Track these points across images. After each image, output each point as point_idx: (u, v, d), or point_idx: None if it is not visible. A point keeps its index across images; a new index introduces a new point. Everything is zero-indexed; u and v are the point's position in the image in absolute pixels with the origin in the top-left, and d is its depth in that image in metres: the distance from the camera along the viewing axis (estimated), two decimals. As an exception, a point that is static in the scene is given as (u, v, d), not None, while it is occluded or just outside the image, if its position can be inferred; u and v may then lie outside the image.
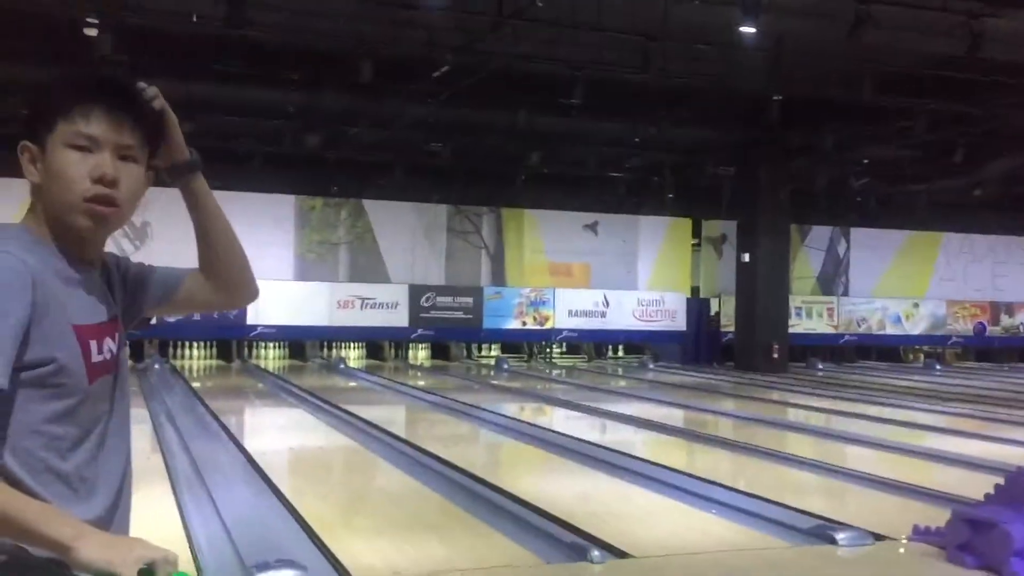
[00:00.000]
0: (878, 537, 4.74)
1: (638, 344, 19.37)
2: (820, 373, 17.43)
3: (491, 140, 14.68)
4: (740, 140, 15.65)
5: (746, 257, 17.14)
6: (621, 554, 4.45)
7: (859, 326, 20.41)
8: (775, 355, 16.88)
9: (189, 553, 4.40)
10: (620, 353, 19.72)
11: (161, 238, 16.13)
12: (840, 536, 4.61)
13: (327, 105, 12.94)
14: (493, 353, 18.56)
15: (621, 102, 13.08)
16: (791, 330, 18.01)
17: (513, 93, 12.63)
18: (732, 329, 18.09)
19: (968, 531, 4.15)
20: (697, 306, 19.35)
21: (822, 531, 4.73)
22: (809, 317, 19.97)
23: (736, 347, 17.78)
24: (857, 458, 8.28)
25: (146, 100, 1.55)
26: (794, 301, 18.87)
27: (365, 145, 14.94)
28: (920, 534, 4.59)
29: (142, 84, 1.56)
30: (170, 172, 1.63)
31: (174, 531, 4.82)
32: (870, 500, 6.26)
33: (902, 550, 4.54)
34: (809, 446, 9.05)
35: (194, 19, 9.86)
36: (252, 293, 1.77)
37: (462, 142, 14.95)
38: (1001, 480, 4.36)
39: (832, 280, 20.55)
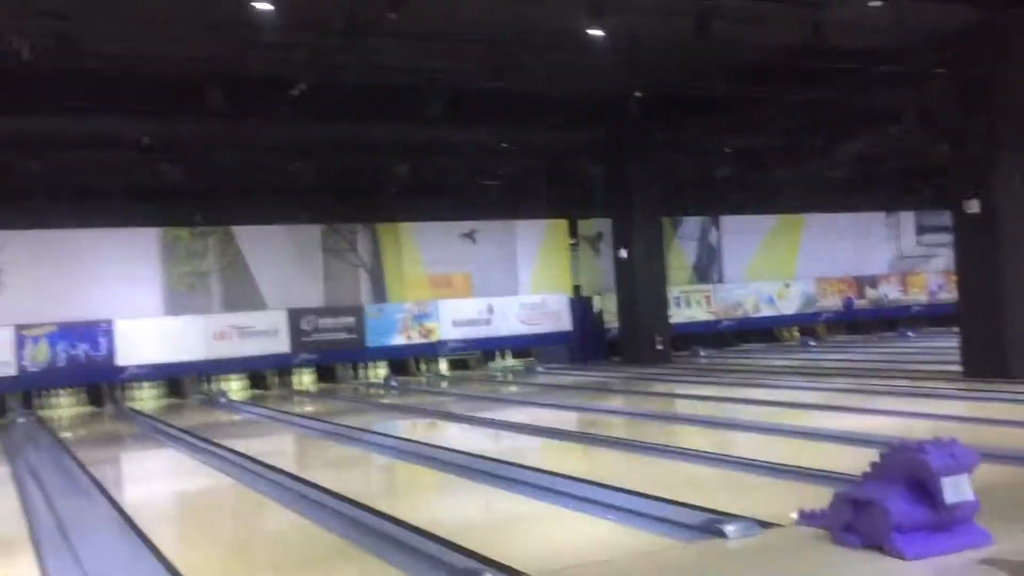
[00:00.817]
0: (766, 525, 4.78)
1: (526, 348, 19.39)
2: (703, 360, 17.82)
3: (356, 156, 14.45)
4: (606, 138, 15.84)
5: (623, 253, 17.39)
6: (514, 573, 4.35)
7: (736, 310, 20.98)
8: (659, 346, 17.17)
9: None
10: (508, 359, 19.71)
11: (15, 283, 15.26)
12: (729, 528, 4.62)
13: (183, 133, 12.47)
14: (381, 371, 18.25)
15: (483, 110, 13.06)
16: (672, 320, 18.37)
17: (373, 107, 12.44)
18: (616, 325, 18.32)
19: (850, 511, 4.21)
20: (580, 305, 19.52)
21: (711, 525, 4.74)
22: (688, 306, 20.40)
23: (621, 342, 18.00)
24: (743, 444, 8.43)
25: None
26: (672, 292, 19.25)
27: (227, 170, 14.50)
28: (806, 517, 4.65)
29: None
30: None
31: (35, 605, 4.46)
32: (758, 486, 6.35)
33: (789, 536, 4.58)
34: (697, 436, 9.18)
35: (24, 57, 9.23)
36: None
37: (327, 160, 14.65)
38: (877, 455, 4.45)
39: (707, 268, 21.07)
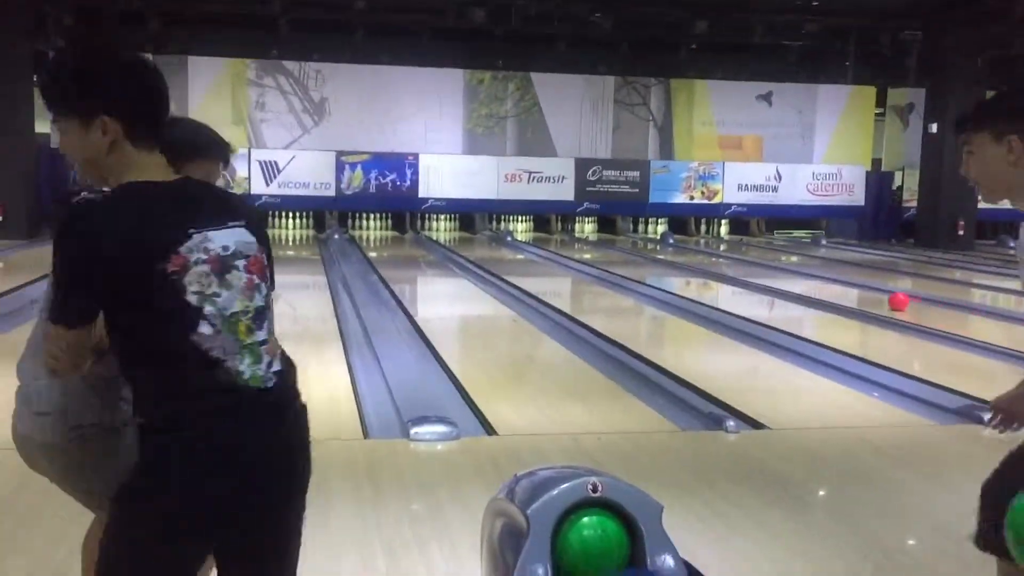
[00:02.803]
0: (1033, 421, 4.61)
1: (813, 219, 18.74)
2: (1011, 251, 16.39)
3: (656, 9, 14.24)
4: (929, 2, 14.46)
5: (933, 127, 16.11)
6: (758, 426, 4.55)
7: (1060, 202, 18.89)
8: (960, 232, 16.00)
9: (355, 407, 4.85)
10: (793, 228, 19.19)
11: (338, 113, 16.82)
12: (987, 416, 4.51)
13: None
14: (660, 227, 18.46)
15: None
16: (980, 205, 16.93)
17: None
18: (915, 204, 17.20)
19: None
20: (878, 180, 18.44)
21: (969, 411, 4.65)
22: (1003, 192, 18.64)
23: (918, 223, 16.94)
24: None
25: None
26: (986, 175, 17.62)
27: (530, 17, 14.83)
28: (1077, 419, 4.44)
29: None
30: None
31: (343, 388, 5.28)
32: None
33: (1053, 434, 4.41)
34: (989, 328, 8.64)
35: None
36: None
37: (627, 12, 14.57)
38: None
39: (1032, 152, 19.00)
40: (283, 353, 1.79)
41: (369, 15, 14.85)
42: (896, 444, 4.31)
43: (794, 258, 15.46)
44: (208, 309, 1.65)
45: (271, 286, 1.80)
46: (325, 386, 5.41)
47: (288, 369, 1.78)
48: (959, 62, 15.47)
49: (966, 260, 14.49)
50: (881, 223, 18.23)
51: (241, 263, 1.71)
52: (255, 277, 1.73)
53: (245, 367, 1.68)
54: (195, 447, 1.66)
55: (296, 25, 15.80)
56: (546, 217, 18.02)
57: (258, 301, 1.73)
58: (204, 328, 1.65)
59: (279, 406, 1.75)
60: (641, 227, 18.57)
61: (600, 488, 1.79)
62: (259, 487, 1.70)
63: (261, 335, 1.72)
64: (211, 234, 1.68)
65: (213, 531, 1.70)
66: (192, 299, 1.64)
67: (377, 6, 14.31)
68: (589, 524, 1.78)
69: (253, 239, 1.75)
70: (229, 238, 1.70)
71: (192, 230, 1.66)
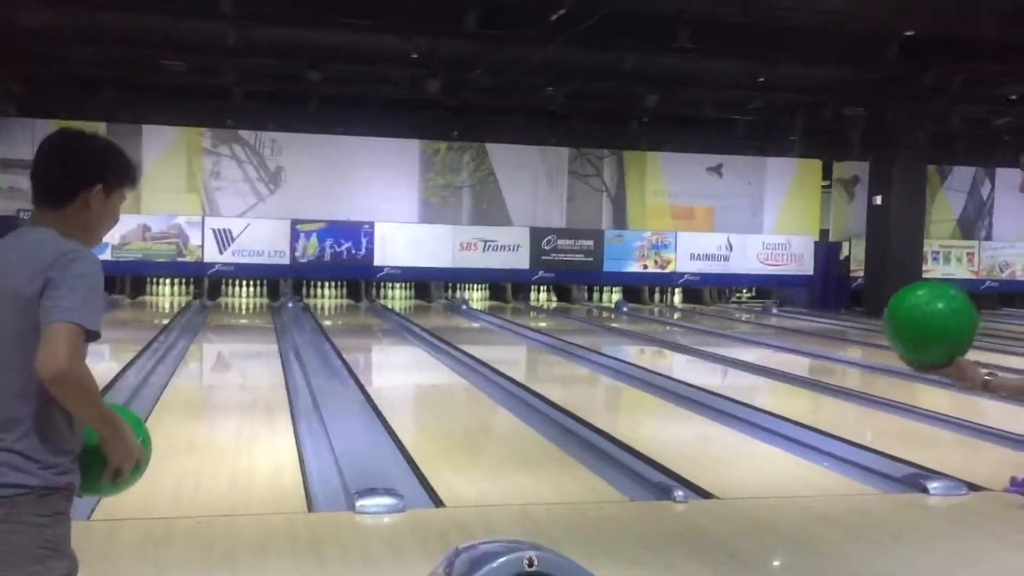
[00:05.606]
0: (975, 488, 4.67)
1: (762, 288, 19.04)
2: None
3: (608, 83, 14.58)
4: (871, 79, 14.98)
5: (878, 199, 16.53)
6: (707, 495, 4.54)
7: (1002, 271, 19.41)
8: (907, 301, 16.29)
9: (300, 479, 4.75)
10: (743, 297, 19.45)
11: (293, 182, 16.84)
12: (932, 485, 4.56)
13: (447, 51, 13.12)
14: (614, 296, 18.60)
15: (738, 42, 12.76)
16: (926, 275, 17.31)
17: (625, 36, 12.48)
18: (862, 274, 17.56)
19: (1065, 485, 4.05)
20: (825, 250, 18.82)
21: (915, 479, 4.69)
22: (947, 262, 19.13)
23: (865, 292, 17.26)
24: (985, 411, 7.99)
25: None
26: (931, 245, 18.10)
27: (485, 90, 15.08)
28: (1017, 486, 4.51)
29: None
30: None
31: (289, 460, 5.18)
32: (991, 453, 6.09)
33: (994, 500, 4.46)
34: (937, 397, 8.75)
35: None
36: None
37: (579, 86, 14.90)
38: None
39: (973, 224, 19.57)
40: None
41: (323, 86, 15.01)
42: (844, 513, 4.32)
43: (746, 327, 15.64)
44: None
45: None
46: (271, 458, 5.32)
47: None
48: (901, 136, 15.98)
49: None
50: (830, 292, 18.55)
51: None
52: None
53: None
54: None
55: (251, 95, 15.90)
56: (501, 286, 18.08)
57: None
58: None
59: None
60: (596, 296, 18.71)
61: (536, 563, 1.77)
62: None
63: None
64: None
65: None
66: None
67: (331, 77, 14.48)
68: (525, 599, 1.76)
69: None
70: None
71: None
